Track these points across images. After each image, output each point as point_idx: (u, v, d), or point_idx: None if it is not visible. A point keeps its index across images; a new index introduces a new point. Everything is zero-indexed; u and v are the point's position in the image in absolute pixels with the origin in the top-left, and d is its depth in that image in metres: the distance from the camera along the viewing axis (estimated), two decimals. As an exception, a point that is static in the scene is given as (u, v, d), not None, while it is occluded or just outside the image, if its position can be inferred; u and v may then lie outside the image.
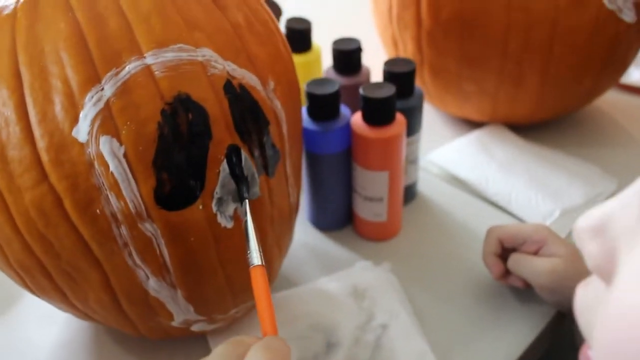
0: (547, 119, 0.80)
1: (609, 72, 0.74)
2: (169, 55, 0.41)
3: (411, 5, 0.72)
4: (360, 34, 0.81)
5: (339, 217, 0.68)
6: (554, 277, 0.53)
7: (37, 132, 0.40)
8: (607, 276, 0.27)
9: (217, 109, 0.43)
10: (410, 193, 0.72)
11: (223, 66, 0.43)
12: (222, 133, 0.43)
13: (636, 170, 0.76)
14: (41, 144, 0.40)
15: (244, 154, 0.45)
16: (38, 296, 0.49)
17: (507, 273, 0.58)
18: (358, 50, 0.69)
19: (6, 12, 0.42)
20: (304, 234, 0.69)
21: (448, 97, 0.79)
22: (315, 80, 0.61)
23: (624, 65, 0.77)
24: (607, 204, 0.28)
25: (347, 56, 0.69)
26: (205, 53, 0.43)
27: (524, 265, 0.55)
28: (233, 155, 0.44)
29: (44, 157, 0.40)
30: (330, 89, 0.60)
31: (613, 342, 0.25)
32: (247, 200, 0.45)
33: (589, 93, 0.76)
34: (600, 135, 0.83)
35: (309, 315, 0.59)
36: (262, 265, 0.42)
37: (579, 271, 0.53)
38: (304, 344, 0.56)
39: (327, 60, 0.74)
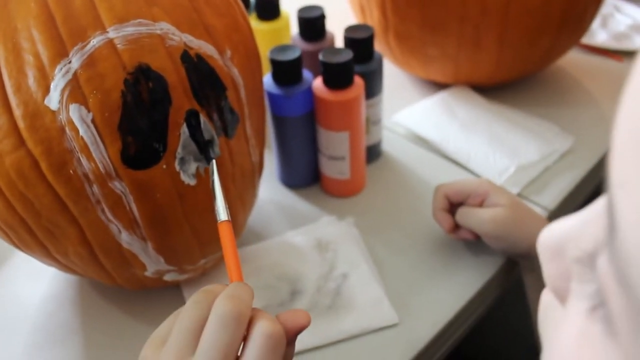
0: (509, 80, 0.84)
1: (567, 33, 0.78)
2: (130, 29, 0.45)
3: (375, -27, 0.76)
4: (330, 0, 0.85)
5: (305, 175, 0.73)
6: (497, 225, 0.58)
7: (13, 101, 0.44)
8: (562, 298, 0.26)
9: (175, 77, 0.47)
10: (374, 152, 0.76)
11: (180, 38, 0.48)
12: (181, 99, 0.47)
13: (593, 128, 0.80)
14: (17, 112, 0.44)
15: (203, 118, 0.49)
16: (24, 251, 0.54)
17: (457, 227, 0.63)
18: (322, 18, 0.72)
19: (-20, -8, 0.46)
20: (274, 191, 0.74)
21: (413, 61, 0.83)
22: (278, 47, 0.65)
23: (582, 27, 0.81)
24: (566, 221, 0.25)
25: (311, 23, 0.72)
26: (163, 26, 0.47)
27: (469, 216, 0.60)
28: (192, 119, 0.48)
29: (21, 124, 0.45)
30: (292, 55, 0.64)
31: None
32: (214, 161, 0.49)
33: (547, 54, 0.80)
34: (562, 95, 0.87)
35: (275, 266, 0.64)
36: (229, 220, 0.46)
37: (520, 217, 0.58)
38: (270, 292, 0.62)
39: (296, 27, 0.77)
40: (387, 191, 0.73)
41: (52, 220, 0.49)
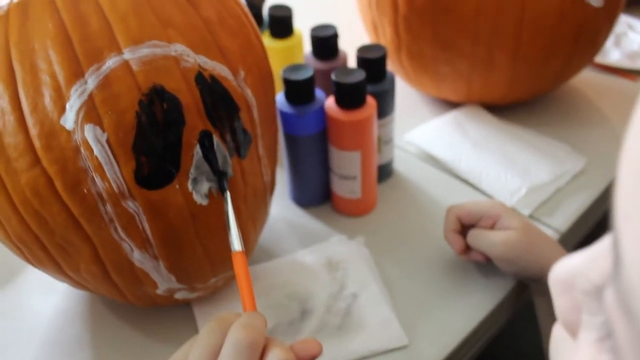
0: (522, 99, 0.84)
1: (579, 54, 0.78)
2: (145, 51, 0.46)
3: (387, -8, 0.76)
4: (345, 19, 0.85)
5: (317, 194, 0.73)
6: (508, 248, 0.58)
7: (29, 121, 0.45)
8: (573, 332, 0.26)
9: (190, 99, 0.47)
10: (386, 171, 0.76)
11: (194, 59, 0.48)
12: (195, 120, 0.48)
13: (606, 148, 0.80)
14: (33, 131, 0.45)
15: (216, 139, 0.49)
16: (36, 267, 0.55)
17: (468, 249, 0.63)
18: (334, 37, 0.73)
19: (0, 12, 0.47)
20: (285, 209, 0.74)
21: (425, 79, 0.83)
22: (291, 67, 0.65)
23: (595, 47, 0.80)
24: (577, 256, 0.25)
25: (324, 42, 0.73)
26: (178, 48, 0.47)
27: (481, 238, 0.60)
28: (205, 139, 0.49)
29: (36, 143, 0.45)
30: (305, 75, 0.64)
31: None
32: (227, 192, 0.50)
33: (560, 74, 0.80)
34: (574, 115, 0.87)
35: (285, 284, 0.64)
36: (242, 250, 0.47)
37: (531, 241, 0.58)
38: (280, 311, 0.62)
39: (309, 45, 0.78)
40: (398, 211, 0.73)
41: (66, 238, 0.49)
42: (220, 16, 0.51)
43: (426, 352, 0.58)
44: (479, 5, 0.71)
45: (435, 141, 0.81)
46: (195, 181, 0.49)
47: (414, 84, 0.87)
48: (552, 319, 0.59)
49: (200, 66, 0.48)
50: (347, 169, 0.68)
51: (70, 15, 0.45)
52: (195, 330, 0.61)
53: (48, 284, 0.67)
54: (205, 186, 0.50)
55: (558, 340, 0.28)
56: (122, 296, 0.56)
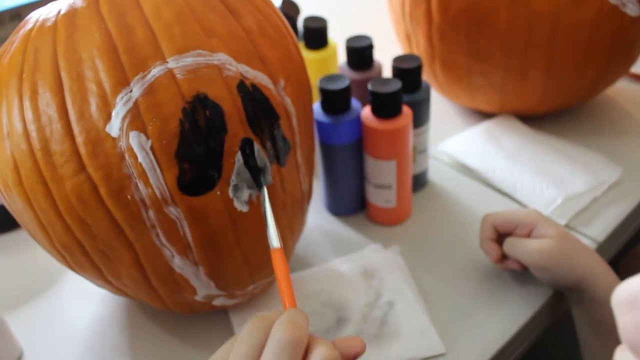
0: (555, 110, 0.84)
1: (615, 64, 0.77)
2: (189, 60, 0.47)
3: (422, 3, 0.76)
4: (377, 30, 0.86)
5: (352, 203, 0.73)
6: (544, 256, 0.57)
7: (75, 128, 0.46)
8: (638, 352, 0.26)
9: (232, 107, 0.48)
10: (420, 181, 0.76)
11: (237, 68, 0.49)
12: (237, 128, 0.49)
13: (641, 158, 0.79)
14: (79, 138, 0.46)
15: (257, 146, 0.50)
16: (77, 273, 0.56)
17: (504, 257, 0.62)
18: (369, 47, 0.73)
19: (48, 24, 0.48)
20: (320, 219, 0.74)
21: (459, 90, 0.83)
22: (328, 77, 0.66)
23: (631, 58, 0.80)
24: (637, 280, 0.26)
25: (359, 53, 0.73)
26: (221, 57, 0.48)
27: (517, 246, 0.59)
28: (246, 147, 0.49)
29: (82, 150, 0.46)
30: (341, 85, 0.65)
31: None
32: (265, 188, 0.50)
33: (594, 85, 0.79)
34: (609, 125, 0.86)
35: (321, 293, 0.64)
36: (281, 247, 0.47)
37: (568, 249, 0.58)
38: (316, 319, 0.62)
39: (343, 56, 0.78)
40: (433, 220, 0.73)
41: (108, 244, 0.50)
42: (260, 26, 0.52)
43: (464, 359, 0.57)
44: (513, 16, 0.71)
45: (469, 151, 0.81)
46: (236, 188, 0.50)
47: (447, 94, 0.87)
48: (589, 328, 0.58)
49: (242, 75, 0.49)
50: (383, 178, 0.68)
51: (116, 25, 0.46)
52: (231, 336, 0.61)
53: (86, 291, 0.68)
54: (245, 193, 0.51)
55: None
56: (161, 302, 0.57)
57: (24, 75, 0.47)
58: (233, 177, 0.49)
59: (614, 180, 0.75)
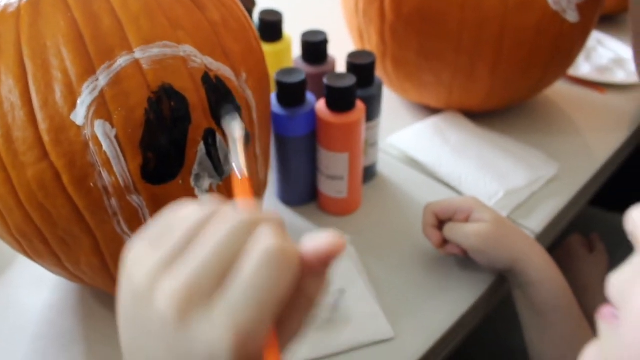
0: (499, 108, 0.88)
1: (555, 66, 0.82)
2: (155, 51, 0.48)
3: (376, 1, 0.79)
4: (329, 25, 0.88)
5: (304, 193, 0.76)
6: (480, 239, 0.62)
7: (39, 116, 0.46)
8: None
9: (196, 98, 0.49)
10: (370, 173, 0.79)
11: (201, 60, 0.50)
12: (200, 118, 0.50)
13: (576, 156, 0.84)
14: (43, 126, 0.46)
15: (219, 136, 0.51)
16: (34, 260, 0.56)
17: (445, 242, 0.66)
18: (324, 42, 0.75)
19: (11, 9, 0.48)
20: (272, 208, 0.76)
21: (408, 86, 0.86)
22: (284, 70, 0.68)
23: (569, 60, 0.85)
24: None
25: (315, 47, 0.75)
26: (186, 49, 0.49)
27: (455, 231, 0.63)
28: (209, 137, 0.51)
29: (45, 138, 0.46)
30: (297, 78, 0.67)
31: None
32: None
33: (536, 85, 0.84)
34: (548, 123, 0.91)
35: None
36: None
37: (502, 233, 0.62)
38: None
39: (297, 49, 0.80)
40: (382, 211, 0.76)
41: (68, 231, 0.50)
42: (224, 19, 0.53)
43: (411, 344, 0.60)
44: (463, 18, 0.75)
45: (417, 145, 0.84)
46: (197, 177, 0.51)
47: (396, 90, 0.90)
48: (527, 308, 0.63)
49: (206, 67, 0.50)
50: (335, 170, 0.70)
51: (82, 13, 0.47)
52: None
53: (38, 277, 0.68)
54: (206, 182, 0.52)
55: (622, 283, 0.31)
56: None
57: (-14, 60, 0.47)
58: (195, 166, 0.51)
59: (551, 175, 0.80)
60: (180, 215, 0.30)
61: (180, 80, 0.48)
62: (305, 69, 0.76)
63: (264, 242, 0.28)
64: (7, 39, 0.47)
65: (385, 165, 0.83)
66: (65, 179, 0.47)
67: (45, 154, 0.47)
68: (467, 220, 0.64)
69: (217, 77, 0.51)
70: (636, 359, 0.28)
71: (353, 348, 0.60)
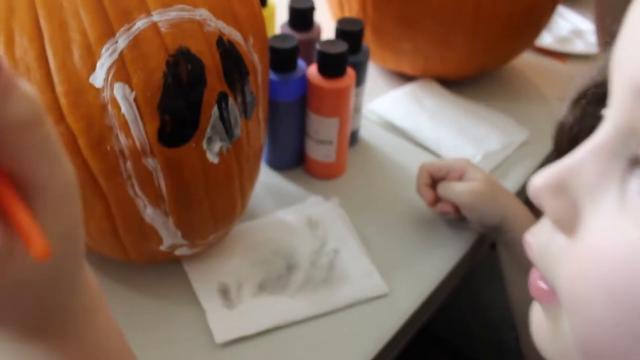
0: (471, 76, 0.92)
1: (526, 35, 0.86)
2: (172, 14, 0.48)
3: (358, -30, 0.80)
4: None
5: (292, 158, 0.77)
6: (473, 196, 0.65)
7: (56, 78, 0.46)
8: (570, 228, 0.30)
9: (211, 61, 0.50)
10: (353, 138, 0.81)
11: (215, 24, 0.51)
12: (215, 82, 0.51)
13: (543, 122, 0.89)
14: (60, 89, 0.46)
15: (231, 100, 0.52)
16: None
17: (437, 200, 0.69)
18: (312, 9, 0.76)
19: (22, -32, 0.47)
20: (262, 173, 0.77)
21: (387, 54, 0.88)
22: (277, 36, 0.69)
23: (538, 30, 0.89)
24: (559, 164, 0.30)
25: (302, 14, 0.76)
26: (202, 13, 0.50)
27: (449, 188, 0.67)
28: (222, 101, 0.51)
29: (62, 101, 0.46)
30: (290, 44, 0.68)
31: (586, 287, 0.28)
32: None
33: (508, 54, 0.88)
34: (515, 91, 0.95)
35: (270, 242, 0.68)
36: None
37: (492, 190, 0.66)
38: (267, 267, 0.66)
39: (282, 17, 0.81)
40: (366, 174, 0.79)
41: (81, 195, 0.50)
42: (232, -17, 0.54)
43: (405, 299, 0.64)
44: (443, -14, 0.77)
45: (395, 111, 0.87)
46: (209, 140, 0.52)
47: (373, 58, 0.92)
48: (512, 265, 0.67)
49: (220, 31, 0.51)
50: (325, 134, 0.72)
51: (99, -26, 0.47)
52: (186, 284, 0.63)
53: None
54: (217, 145, 0.53)
55: (541, 247, 0.33)
56: (124, 253, 0.58)
57: (-3, 21, 0.46)
58: (208, 129, 0.51)
59: (522, 140, 0.84)
60: None
61: (197, 43, 0.49)
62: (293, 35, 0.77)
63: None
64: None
65: (366, 130, 0.85)
66: (81, 142, 0.47)
67: (61, 117, 0.47)
68: (460, 179, 0.67)
69: (229, 41, 0.52)
70: (604, 333, 0.28)
71: (350, 305, 0.63)
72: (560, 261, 0.31)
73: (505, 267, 0.68)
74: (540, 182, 0.31)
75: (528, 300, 0.67)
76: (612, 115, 0.29)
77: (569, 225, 0.30)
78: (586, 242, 0.29)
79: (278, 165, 0.78)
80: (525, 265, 0.64)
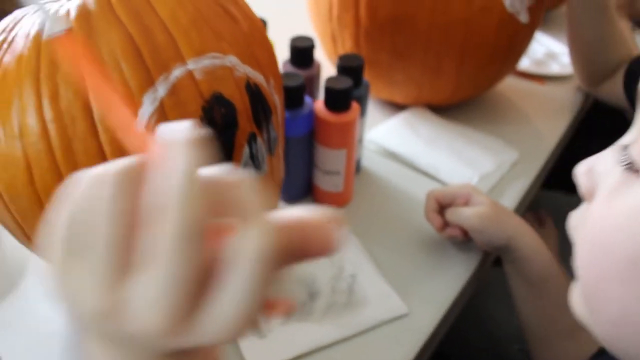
0: (460, 102, 0.97)
1: (509, 62, 0.92)
2: (206, 62, 0.51)
3: (351, 8, 0.85)
4: (295, 29, 0.92)
5: (300, 189, 0.80)
6: (481, 219, 0.69)
7: (100, 127, 0.48)
8: (590, 195, 0.42)
9: (241, 104, 0.53)
10: (357, 167, 0.85)
11: (243, 69, 0.54)
12: (245, 123, 0.54)
13: (530, 141, 0.94)
14: (104, 137, 0.49)
15: (259, 139, 0.56)
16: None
17: (445, 225, 0.73)
18: (312, 47, 0.80)
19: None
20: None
21: (380, 85, 0.93)
22: (285, 75, 0.72)
23: (519, 56, 0.95)
24: (594, 156, 0.43)
25: (304, 52, 0.80)
26: (231, 59, 0.53)
27: (457, 214, 0.71)
28: (252, 140, 0.55)
29: (107, 149, 0.49)
30: (297, 82, 0.71)
31: (582, 236, 0.41)
32: None
33: (493, 80, 0.93)
34: (501, 114, 1.01)
35: (290, 271, 0.71)
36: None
37: (498, 213, 0.70)
38: (289, 296, 0.68)
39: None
40: (372, 201, 0.82)
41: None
42: (251, 29, 0.57)
43: (423, 317, 0.67)
44: (433, 21, 0.82)
45: (392, 139, 0.91)
46: (241, 178, 0.55)
47: (366, 89, 0.97)
48: (518, 281, 0.71)
49: (247, 75, 0.54)
50: (333, 166, 0.76)
51: (137, 28, 0.49)
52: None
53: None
54: (247, 182, 0.56)
55: (574, 218, 0.45)
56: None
57: (40, 76, 0.49)
58: (240, 169, 0.54)
59: (513, 160, 0.89)
60: (93, 204, 0.25)
61: (229, 88, 0.52)
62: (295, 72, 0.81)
63: (252, 245, 0.25)
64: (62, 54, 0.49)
65: (367, 159, 0.89)
66: (124, 186, 0.50)
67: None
68: (465, 204, 0.71)
69: (255, 84, 0.55)
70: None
71: (374, 326, 0.66)
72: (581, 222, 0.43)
73: (513, 285, 0.71)
74: (579, 167, 0.44)
75: (538, 315, 0.71)
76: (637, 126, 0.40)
77: (589, 197, 0.42)
78: (591, 208, 0.41)
79: (287, 197, 0.81)
80: (534, 280, 0.69)
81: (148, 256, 0.24)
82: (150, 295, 0.24)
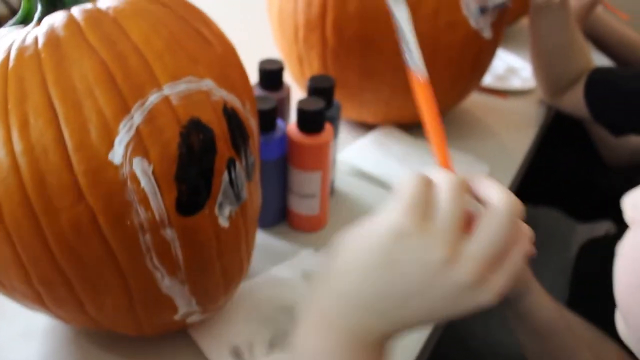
0: (426, 119, 0.97)
1: (475, 78, 0.92)
2: (182, 86, 0.49)
3: (317, 28, 0.84)
4: (260, 53, 0.91)
5: (275, 214, 0.79)
6: None
7: (74, 158, 0.46)
8: (633, 226, 0.45)
9: (219, 129, 0.51)
10: (331, 189, 0.84)
11: (220, 93, 0.52)
12: (223, 148, 0.52)
13: (498, 155, 0.95)
14: (79, 168, 0.46)
15: (238, 165, 0.54)
16: (48, 311, 0.54)
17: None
18: (281, 70, 0.79)
19: (28, 53, 0.48)
20: (249, 232, 0.78)
21: (348, 105, 0.92)
22: (257, 98, 0.71)
23: (483, 73, 0.96)
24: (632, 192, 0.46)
25: (273, 75, 0.79)
26: (207, 83, 0.51)
27: None
28: (231, 166, 0.53)
29: (82, 180, 0.46)
30: (269, 105, 0.70)
31: (619, 265, 0.44)
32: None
33: (460, 96, 0.94)
34: (468, 129, 1.02)
35: (271, 299, 0.69)
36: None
37: None
38: (274, 324, 0.66)
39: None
40: (347, 223, 0.80)
41: (99, 273, 0.50)
42: (226, 52, 0.56)
43: (410, 336, 0.66)
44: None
45: (365, 159, 0.90)
46: (221, 205, 0.53)
47: (334, 110, 0.96)
48: (527, 334, 0.64)
49: (223, 99, 0.53)
50: (309, 188, 0.74)
51: (110, 54, 0.48)
52: (196, 352, 0.63)
53: (23, 331, 0.65)
54: (227, 209, 0.54)
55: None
56: (137, 327, 0.57)
57: (9, 107, 0.46)
58: (220, 195, 0.53)
59: (484, 173, 0.89)
60: (451, 204, 0.41)
61: (206, 113, 0.50)
62: (264, 95, 0.80)
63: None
64: (32, 82, 0.46)
65: (340, 180, 0.88)
66: (101, 219, 0.47)
67: (81, 197, 0.47)
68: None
69: (232, 108, 0.54)
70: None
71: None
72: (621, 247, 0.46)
73: (520, 336, 0.66)
74: (626, 198, 0.46)
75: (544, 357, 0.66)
76: None
77: (632, 225, 0.45)
78: (631, 233, 0.44)
79: (262, 222, 0.79)
80: (540, 331, 0.63)
81: (476, 229, 0.40)
82: (475, 249, 0.39)
